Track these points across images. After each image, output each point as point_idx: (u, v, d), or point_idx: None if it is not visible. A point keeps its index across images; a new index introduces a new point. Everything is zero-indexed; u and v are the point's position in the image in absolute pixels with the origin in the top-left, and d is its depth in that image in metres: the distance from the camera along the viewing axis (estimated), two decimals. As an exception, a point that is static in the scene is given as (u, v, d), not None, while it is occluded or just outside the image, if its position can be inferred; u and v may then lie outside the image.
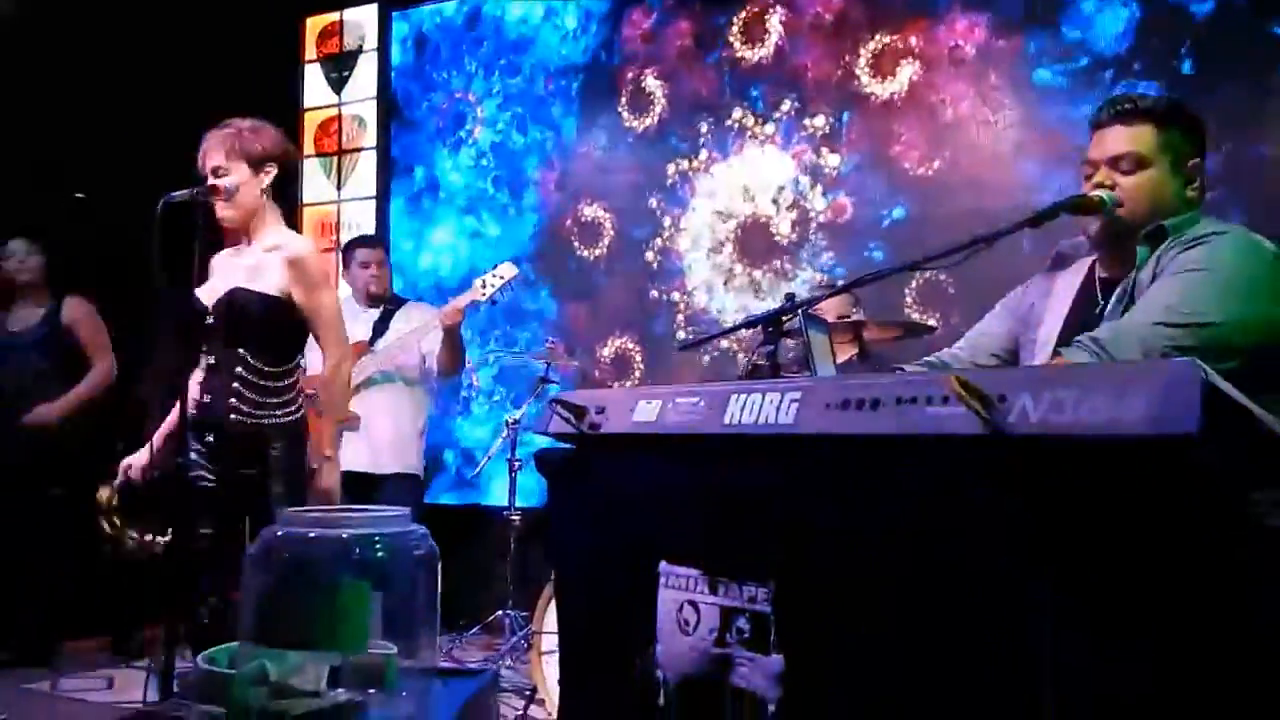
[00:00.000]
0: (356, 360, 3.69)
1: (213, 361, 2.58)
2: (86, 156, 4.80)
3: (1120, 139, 1.85)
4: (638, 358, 4.87)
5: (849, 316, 3.26)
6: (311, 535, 1.32)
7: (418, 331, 3.90)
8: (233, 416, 2.54)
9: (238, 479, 2.54)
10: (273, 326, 2.58)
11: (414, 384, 4.00)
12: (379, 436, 3.85)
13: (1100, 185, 1.85)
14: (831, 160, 4.47)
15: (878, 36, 4.41)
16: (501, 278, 3.79)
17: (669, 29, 4.90)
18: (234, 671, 1.31)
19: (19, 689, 3.84)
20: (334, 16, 5.83)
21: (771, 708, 1.33)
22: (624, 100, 5.00)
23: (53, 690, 3.85)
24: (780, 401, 1.35)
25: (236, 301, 2.57)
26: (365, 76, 5.70)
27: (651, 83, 4.93)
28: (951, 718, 1.16)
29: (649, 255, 4.89)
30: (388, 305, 4.11)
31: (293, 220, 5.39)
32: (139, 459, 2.72)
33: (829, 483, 1.29)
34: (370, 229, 5.53)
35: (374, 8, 5.71)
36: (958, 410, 1.11)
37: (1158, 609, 0.98)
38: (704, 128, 4.79)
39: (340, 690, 1.35)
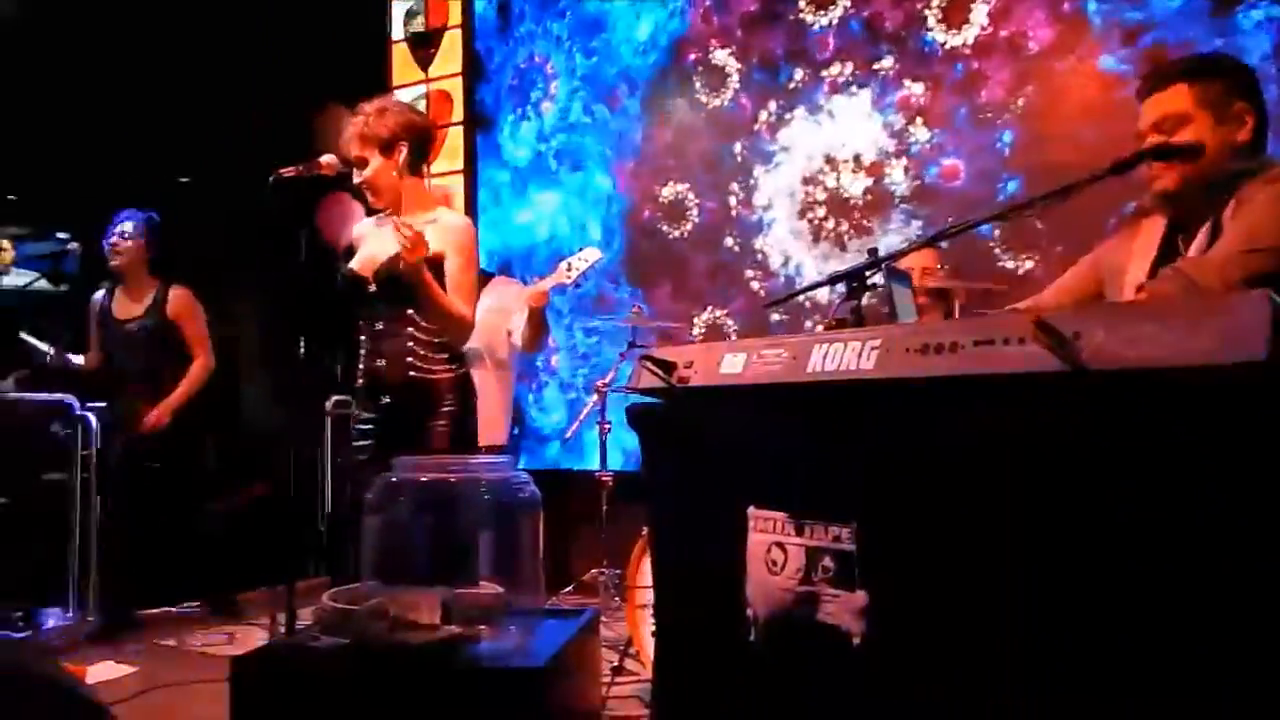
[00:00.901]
0: None
1: (380, 327, 2.72)
2: (183, 139, 5.01)
3: (1158, 105, 1.90)
4: (730, 324, 4.90)
5: (933, 269, 3.26)
6: (424, 480, 1.41)
7: (503, 310, 4.00)
8: (411, 374, 2.67)
9: (412, 435, 2.64)
10: (419, 288, 2.68)
11: (501, 361, 4.10)
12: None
13: (1156, 150, 1.87)
14: (919, 121, 4.43)
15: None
16: (586, 260, 3.84)
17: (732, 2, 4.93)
18: (357, 607, 1.42)
19: (150, 644, 4.12)
20: (420, -5, 5.97)
21: (856, 640, 1.39)
22: (697, 81, 5.04)
23: (180, 646, 4.12)
24: (861, 349, 1.40)
25: (389, 267, 2.70)
26: (450, 52, 5.83)
27: (721, 56, 4.95)
28: (1030, 648, 1.20)
29: (733, 229, 4.91)
30: None
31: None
32: None
33: (910, 424, 1.34)
34: (460, 204, 5.68)
35: (458, -15, 5.82)
36: (1034, 349, 1.15)
37: (1238, 532, 1.01)
38: (783, 92, 4.78)
39: (453, 625, 1.46)
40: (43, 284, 6.41)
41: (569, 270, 3.84)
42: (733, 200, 4.91)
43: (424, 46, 5.92)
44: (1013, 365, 1.18)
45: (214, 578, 4.72)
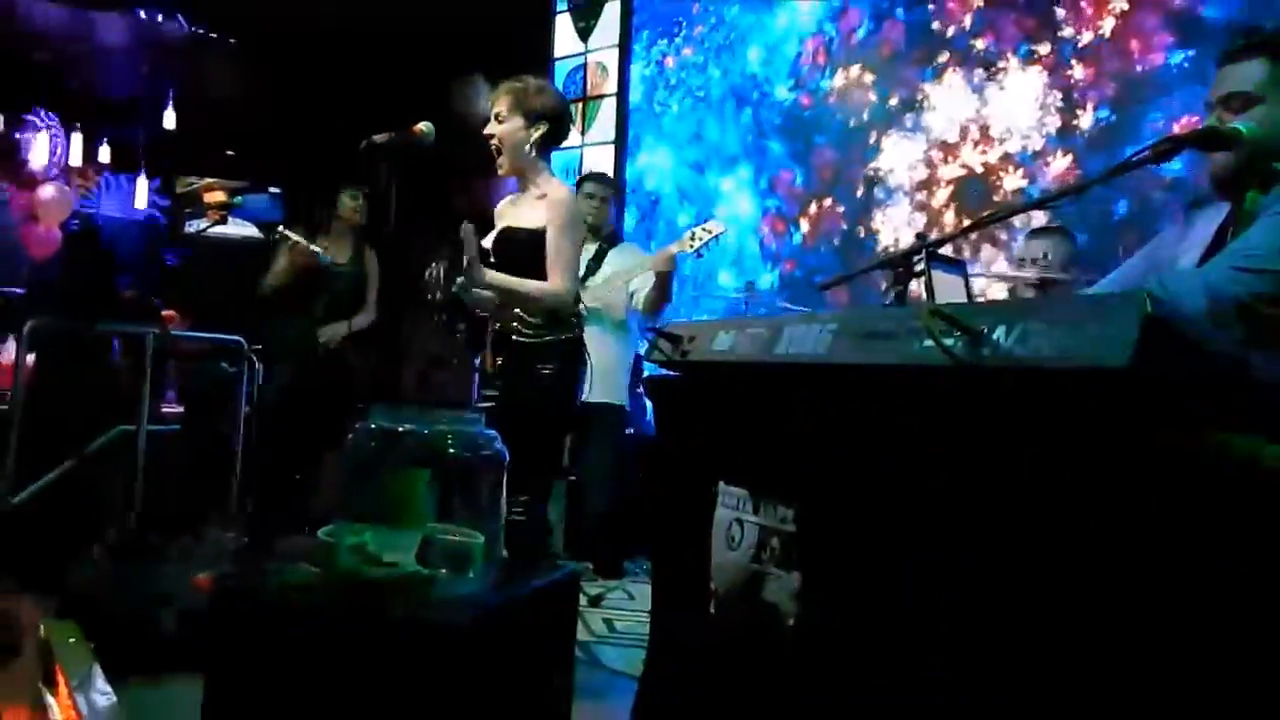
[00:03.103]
0: None
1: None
2: (355, 104, 5.35)
3: (1232, 77, 1.70)
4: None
5: (1038, 260, 3.11)
6: (398, 429, 1.52)
7: (625, 273, 4.09)
8: (516, 338, 2.84)
9: (518, 391, 2.83)
10: (538, 258, 2.83)
11: (621, 321, 4.20)
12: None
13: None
14: (1077, 112, 4.18)
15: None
16: (709, 232, 3.88)
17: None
18: (334, 541, 1.55)
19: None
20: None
21: (790, 622, 1.40)
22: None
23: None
24: (820, 332, 1.40)
25: (507, 237, 2.87)
26: (609, 24, 5.94)
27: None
28: (950, 642, 1.18)
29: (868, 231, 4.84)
30: (604, 243, 4.31)
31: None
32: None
33: (846, 409, 1.33)
34: (609, 172, 5.82)
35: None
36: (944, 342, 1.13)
37: (1093, 542, 0.98)
38: (923, 89, 4.63)
39: (423, 567, 1.56)
40: (254, 232, 6.98)
41: (692, 240, 3.88)
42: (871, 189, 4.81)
43: (585, 18, 6.06)
44: (924, 358, 1.15)
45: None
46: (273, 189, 8.19)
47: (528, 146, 2.84)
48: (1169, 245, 1.87)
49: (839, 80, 4.95)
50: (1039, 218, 3.90)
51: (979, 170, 4.41)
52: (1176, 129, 3.80)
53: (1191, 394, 0.93)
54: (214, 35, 6.48)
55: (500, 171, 2.90)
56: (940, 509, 1.16)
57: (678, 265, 4.10)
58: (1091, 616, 0.98)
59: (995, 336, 1.07)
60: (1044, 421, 1.01)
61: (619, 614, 3.46)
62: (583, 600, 3.52)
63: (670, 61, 5.68)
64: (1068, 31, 4.14)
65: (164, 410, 5.30)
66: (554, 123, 2.88)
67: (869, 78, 4.82)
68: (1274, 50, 1.68)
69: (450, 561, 1.59)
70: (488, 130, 2.84)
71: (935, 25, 4.57)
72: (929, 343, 1.15)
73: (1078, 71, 4.12)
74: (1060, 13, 4.16)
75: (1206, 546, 0.92)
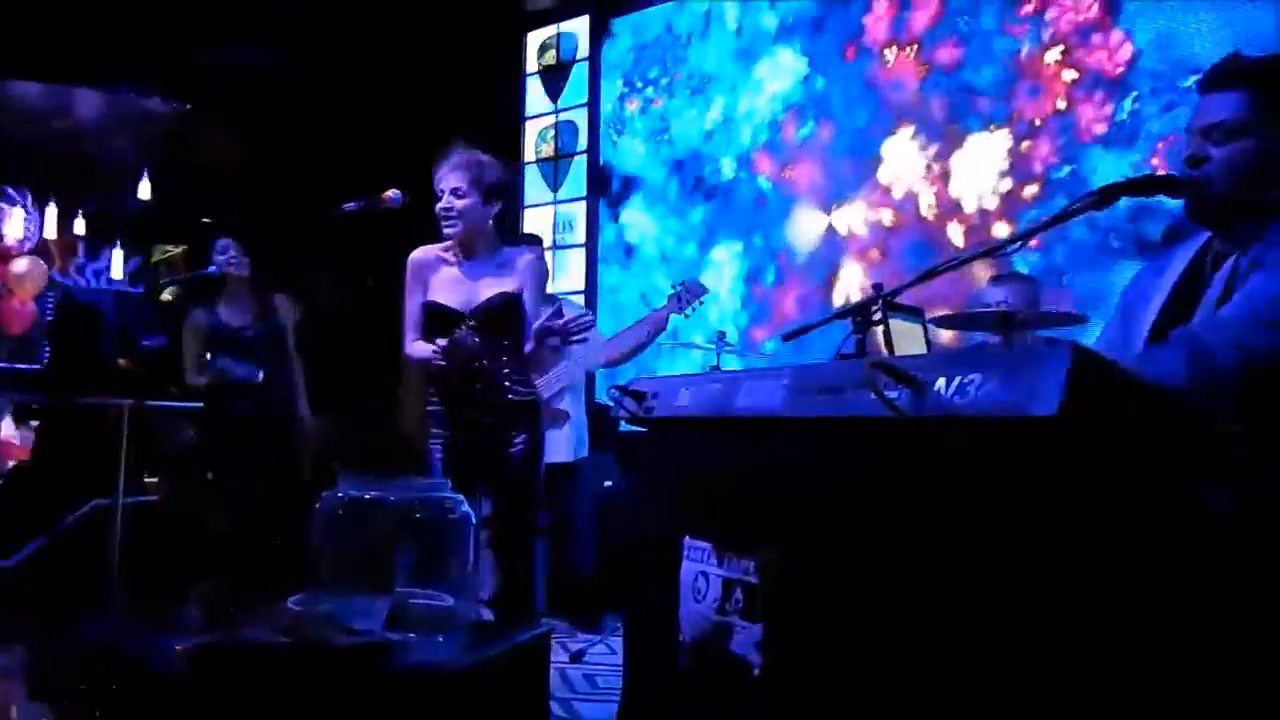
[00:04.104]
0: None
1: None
2: (325, 162, 5.41)
3: (1213, 107, 1.68)
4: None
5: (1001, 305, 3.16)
6: (366, 497, 1.53)
7: (609, 345, 4.16)
8: (510, 396, 2.91)
9: (498, 452, 2.90)
10: (514, 321, 2.95)
11: (573, 382, 4.28)
12: (574, 428, 4.17)
13: (1192, 158, 1.69)
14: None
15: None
16: (692, 294, 4.00)
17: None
18: (305, 610, 1.56)
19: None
20: (553, 30, 6.22)
21: (755, 672, 1.41)
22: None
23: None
24: (774, 387, 1.43)
25: (496, 303, 2.93)
26: (578, 85, 6.04)
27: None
28: (912, 687, 1.20)
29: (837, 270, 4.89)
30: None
31: (516, 223, 5.93)
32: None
33: (800, 462, 1.36)
34: (580, 229, 5.89)
35: (586, 19, 6.03)
36: (890, 395, 1.16)
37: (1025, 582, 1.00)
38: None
39: (392, 632, 1.57)
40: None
41: (679, 302, 3.99)
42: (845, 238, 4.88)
43: (554, 79, 6.17)
44: (867, 409, 1.19)
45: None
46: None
47: (488, 220, 2.96)
48: (1142, 280, 1.86)
49: (788, 172, 5.06)
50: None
51: (934, 226, 4.50)
52: (1155, 161, 3.87)
53: (1124, 438, 0.97)
54: (189, 108, 6.55)
55: (450, 240, 2.94)
56: (895, 558, 1.19)
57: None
58: (1044, 653, 1.01)
59: (936, 388, 1.11)
60: (983, 470, 1.05)
61: (599, 669, 3.45)
62: (564, 656, 3.52)
63: (634, 104, 5.78)
64: (1019, 110, 4.24)
65: (147, 480, 5.28)
66: (505, 197, 3.04)
67: (818, 158, 4.93)
68: (1254, 81, 1.64)
69: (420, 626, 1.60)
70: (445, 204, 2.88)
71: (884, 97, 4.68)
72: (874, 395, 1.19)
73: (1025, 146, 4.21)
74: (1013, 100, 4.26)
75: (1146, 587, 0.95)
